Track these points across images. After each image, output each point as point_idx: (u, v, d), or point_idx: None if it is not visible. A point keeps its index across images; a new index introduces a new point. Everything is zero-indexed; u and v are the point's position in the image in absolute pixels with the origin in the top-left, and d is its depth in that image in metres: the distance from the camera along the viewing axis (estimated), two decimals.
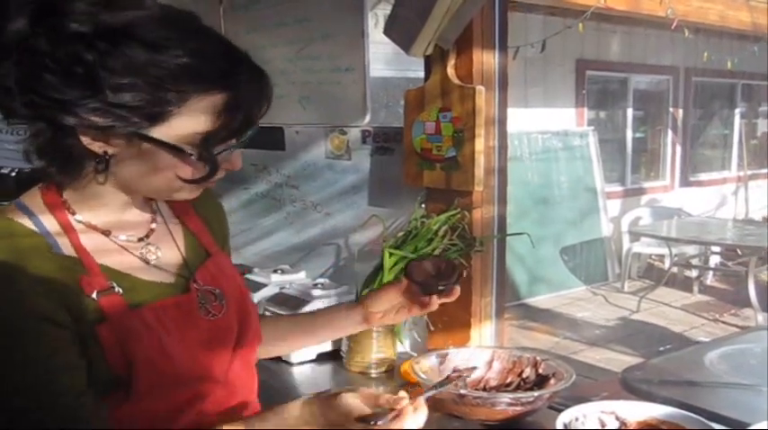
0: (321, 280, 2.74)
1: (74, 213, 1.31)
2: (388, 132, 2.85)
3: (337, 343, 2.49)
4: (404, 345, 2.59)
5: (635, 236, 8.53)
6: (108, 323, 1.24)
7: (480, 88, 2.48)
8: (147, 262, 1.38)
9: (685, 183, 11.06)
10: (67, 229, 1.28)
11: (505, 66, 2.60)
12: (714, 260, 8.77)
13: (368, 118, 2.88)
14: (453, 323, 2.56)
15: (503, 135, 2.58)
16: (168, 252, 1.43)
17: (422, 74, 2.70)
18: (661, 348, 5.90)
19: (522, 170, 7.85)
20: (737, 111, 12.12)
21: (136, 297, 1.30)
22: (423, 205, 2.63)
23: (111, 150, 1.22)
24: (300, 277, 2.84)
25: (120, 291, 1.28)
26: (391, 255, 2.44)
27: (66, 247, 1.27)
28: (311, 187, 3.15)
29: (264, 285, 2.72)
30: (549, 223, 8.04)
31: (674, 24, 7.19)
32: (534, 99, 8.43)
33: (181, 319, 1.35)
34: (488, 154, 2.53)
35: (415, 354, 2.36)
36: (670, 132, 10.87)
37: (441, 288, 1.71)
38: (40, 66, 1.16)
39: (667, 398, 1.76)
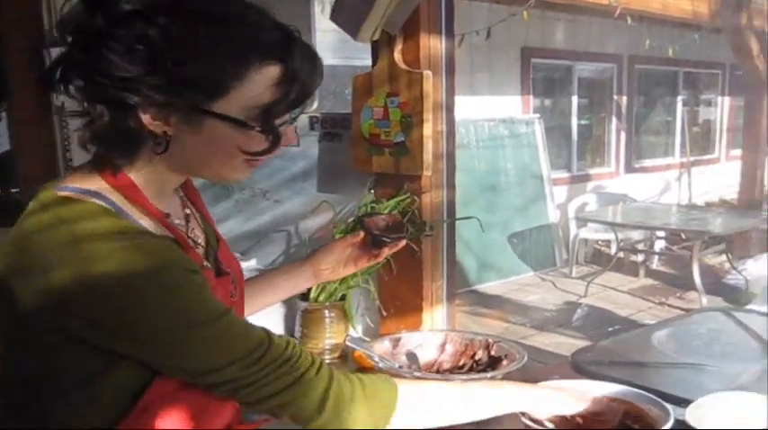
0: (272, 267, 2.72)
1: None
2: (336, 118, 2.84)
3: (290, 328, 2.48)
4: (356, 331, 2.59)
5: (581, 222, 8.60)
6: None
7: (428, 73, 2.49)
8: (195, 245, 1.38)
9: (630, 169, 11.18)
10: (150, 212, 1.27)
11: (452, 51, 2.62)
12: (659, 245, 8.88)
13: (315, 104, 2.88)
14: (405, 307, 2.57)
15: (450, 120, 2.60)
16: (199, 237, 1.43)
17: (368, 62, 2.70)
18: (610, 329, 5.96)
19: (469, 157, 7.87)
20: (680, 98, 12.27)
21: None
22: (372, 190, 2.63)
23: (169, 130, 1.22)
24: (251, 265, 2.83)
25: (209, 265, 1.33)
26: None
27: (158, 229, 1.27)
28: (260, 174, 3.13)
29: None
30: (497, 210, 8.08)
31: (617, 12, 7.25)
32: (480, 86, 8.45)
33: (225, 301, 1.35)
34: (436, 139, 2.54)
35: (367, 339, 2.36)
36: (614, 119, 10.98)
37: (388, 240, 1.77)
38: (100, 47, 1.15)
39: (616, 378, 1.77)
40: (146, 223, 1.24)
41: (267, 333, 1.25)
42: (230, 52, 1.18)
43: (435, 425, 1.39)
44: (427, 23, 2.54)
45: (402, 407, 1.32)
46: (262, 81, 1.20)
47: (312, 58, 1.26)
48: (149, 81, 1.16)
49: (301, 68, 1.23)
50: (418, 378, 1.88)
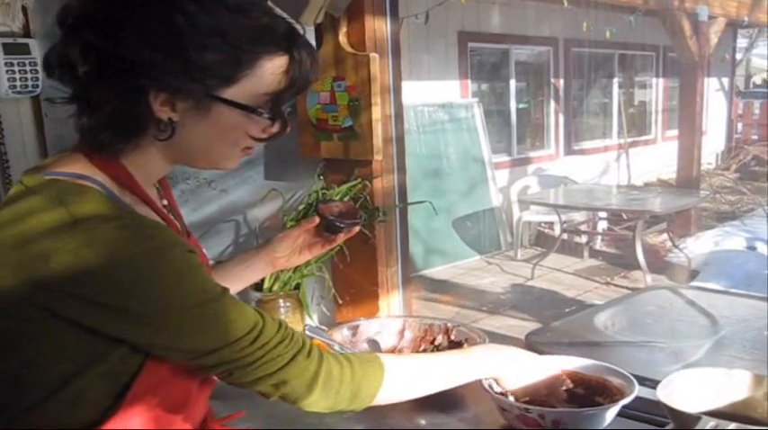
0: (222, 258, 2.67)
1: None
2: (291, 103, 2.79)
3: None
4: (313, 320, 2.55)
5: (524, 204, 8.66)
6: None
7: (374, 55, 2.45)
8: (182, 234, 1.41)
9: (569, 151, 11.28)
10: (142, 198, 1.29)
11: (397, 33, 2.59)
12: (602, 225, 8.98)
13: None
14: (361, 295, 2.54)
15: (398, 103, 2.57)
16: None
17: (313, 44, 2.65)
18: (552, 313, 6.01)
19: (411, 143, 7.84)
20: (616, 80, 12.44)
21: None
22: (321, 177, 2.59)
23: (175, 116, 1.23)
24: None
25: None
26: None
27: (151, 214, 1.28)
28: None
29: None
30: (441, 195, 8.08)
31: None
32: (419, 71, 8.43)
33: None
34: (385, 122, 2.50)
35: (325, 328, 2.32)
36: (552, 102, 11.06)
37: (343, 226, 1.78)
38: (118, 30, 1.17)
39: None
40: (139, 210, 1.25)
41: (261, 314, 1.27)
42: (248, 41, 1.22)
43: (417, 396, 1.49)
44: (371, 5, 2.50)
45: (388, 383, 1.39)
46: (272, 69, 1.25)
47: (313, 51, 1.31)
48: (167, 66, 1.18)
49: (305, 59, 1.27)
50: None
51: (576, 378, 1.72)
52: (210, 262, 2.71)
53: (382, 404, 1.42)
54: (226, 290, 1.24)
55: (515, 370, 1.65)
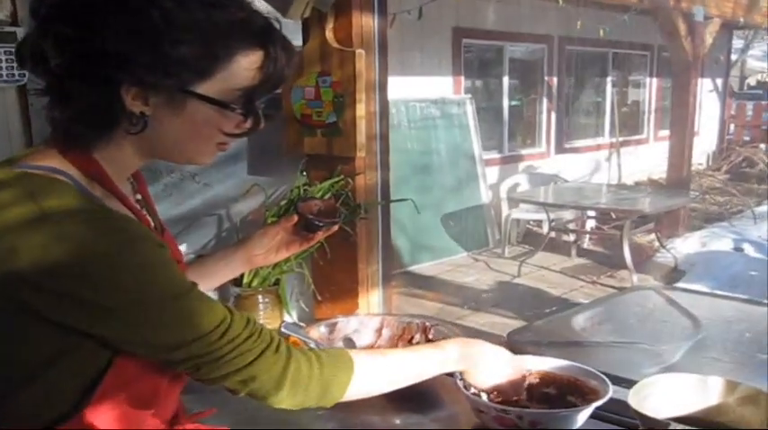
0: (203, 253, 2.66)
1: None
2: (266, 98, 2.77)
3: None
4: (291, 316, 2.55)
5: (514, 202, 8.65)
6: None
7: (360, 51, 2.44)
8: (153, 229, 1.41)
9: (561, 149, 11.28)
10: (113, 192, 1.28)
11: (385, 29, 2.58)
12: (590, 224, 8.99)
13: None
14: (340, 292, 2.54)
15: (384, 100, 2.56)
16: (150, 223, 1.44)
17: (300, 42, 2.65)
18: (536, 312, 6.02)
19: (401, 138, 7.84)
20: (609, 79, 12.43)
21: None
22: (304, 173, 2.59)
23: (147, 110, 1.23)
24: (181, 250, 2.75)
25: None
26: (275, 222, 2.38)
27: (121, 209, 1.28)
28: None
29: None
30: (430, 191, 8.07)
31: None
32: (411, 67, 8.41)
33: None
34: (369, 119, 2.50)
35: (303, 325, 2.32)
36: (545, 100, 11.06)
37: (321, 224, 1.77)
38: (94, 23, 1.17)
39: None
40: (109, 204, 1.23)
41: (230, 309, 1.27)
42: (223, 36, 1.22)
43: (387, 390, 1.49)
44: (359, 0, 2.49)
45: (357, 379, 1.39)
46: (246, 65, 1.24)
47: (289, 47, 1.30)
48: (141, 60, 1.18)
49: (281, 55, 1.27)
50: None
51: (550, 378, 1.73)
52: (191, 256, 2.71)
53: (352, 399, 1.42)
54: (194, 285, 1.24)
55: (483, 365, 1.64)
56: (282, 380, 1.28)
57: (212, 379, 1.25)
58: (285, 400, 1.31)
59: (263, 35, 1.25)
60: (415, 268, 7.80)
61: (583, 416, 1.57)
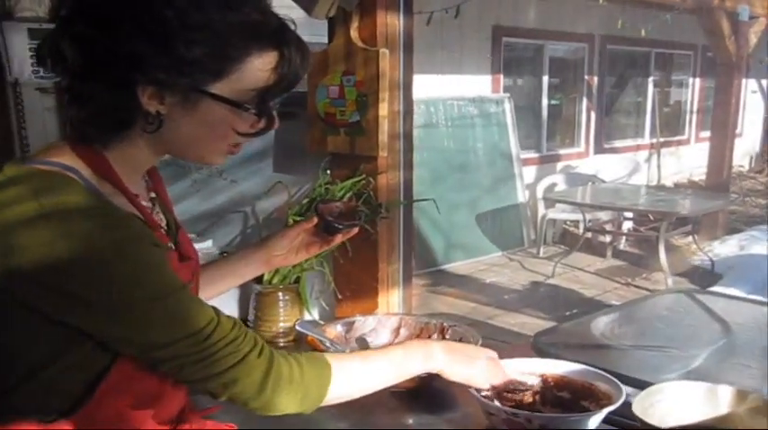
0: (228, 249, 2.69)
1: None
2: (292, 97, 2.77)
3: (244, 311, 2.45)
4: (311, 314, 2.56)
5: (550, 202, 8.60)
6: None
7: (384, 51, 2.45)
8: (161, 228, 1.40)
9: (600, 150, 11.19)
10: (124, 192, 1.29)
11: (411, 29, 2.57)
12: (627, 225, 8.89)
13: None
14: (360, 291, 2.55)
15: (408, 99, 2.56)
16: (162, 221, 1.45)
17: (325, 40, 2.66)
18: (567, 313, 5.98)
19: (438, 136, 7.83)
20: (651, 79, 12.30)
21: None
22: (327, 171, 2.59)
23: (163, 110, 1.25)
24: (207, 246, 2.79)
25: (173, 247, 1.36)
26: (295, 222, 2.39)
27: (128, 206, 1.28)
28: None
29: None
30: (465, 189, 8.05)
31: None
32: (450, 65, 8.39)
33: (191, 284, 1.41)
34: (393, 119, 2.50)
35: (322, 323, 2.33)
36: (585, 100, 10.97)
37: (341, 227, 1.77)
38: (110, 24, 1.19)
39: (576, 361, 1.77)
40: (116, 201, 1.24)
41: (216, 311, 1.28)
42: (237, 36, 1.23)
43: (364, 393, 1.48)
44: (385, 0, 2.49)
45: (335, 383, 1.39)
46: (260, 66, 1.25)
47: (303, 48, 1.30)
48: (156, 60, 1.19)
49: (295, 56, 1.28)
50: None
51: (564, 382, 1.73)
52: (216, 252, 2.73)
53: (330, 404, 1.42)
54: (185, 285, 1.26)
55: (456, 363, 1.61)
56: (264, 385, 1.29)
57: (194, 380, 1.26)
58: (267, 406, 1.32)
59: (278, 36, 1.26)
60: (448, 266, 7.79)
61: (594, 421, 1.57)
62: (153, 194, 1.45)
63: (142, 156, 1.32)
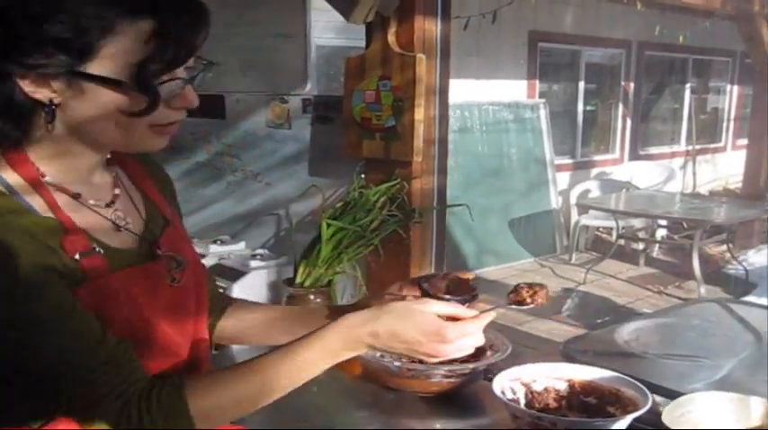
0: (260, 250, 2.71)
1: (43, 175, 1.25)
2: (329, 101, 2.82)
3: None
4: None
5: (583, 208, 8.56)
6: (88, 286, 1.20)
7: (421, 56, 2.46)
8: (117, 228, 1.33)
9: (635, 156, 11.12)
10: (40, 190, 1.23)
11: (448, 34, 2.58)
12: (660, 233, 8.83)
13: (309, 86, 2.86)
14: None
15: (444, 105, 2.57)
16: (133, 219, 1.38)
17: (363, 44, 2.67)
18: (599, 320, 5.94)
19: (472, 141, 7.82)
20: (688, 85, 12.21)
21: (112, 261, 1.26)
22: (362, 175, 2.61)
23: (55, 98, 1.18)
24: (240, 248, 2.81)
25: (102, 252, 1.24)
26: (329, 226, 2.41)
27: (43, 209, 1.21)
28: (251, 156, 3.12)
29: (203, 256, 2.69)
30: (499, 195, 8.04)
31: None
32: (485, 70, 8.39)
33: (149, 286, 1.32)
34: (428, 124, 2.51)
35: None
36: (621, 106, 10.92)
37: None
38: None
39: (605, 368, 1.77)
40: (36, 203, 1.21)
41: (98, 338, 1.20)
42: (93, 8, 1.14)
43: (242, 414, 1.32)
44: (422, 5, 2.51)
45: (201, 413, 1.24)
46: (132, 38, 1.16)
47: (192, 10, 1.20)
48: (17, 44, 1.13)
49: (177, 22, 1.18)
50: (399, 368, 1.88)
51: (592, 388, 1.73)
52: (248, 252, 2.76)
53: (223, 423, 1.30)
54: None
55: (394, 332, 1.33)
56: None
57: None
58: None
59: (149, 2, 1.16)
60: (479, 272, 7.76)
61: (619, 426, 1.56)
62: (117, 191, 1.38)
63: (68, 149, 1.25)
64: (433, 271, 2.56)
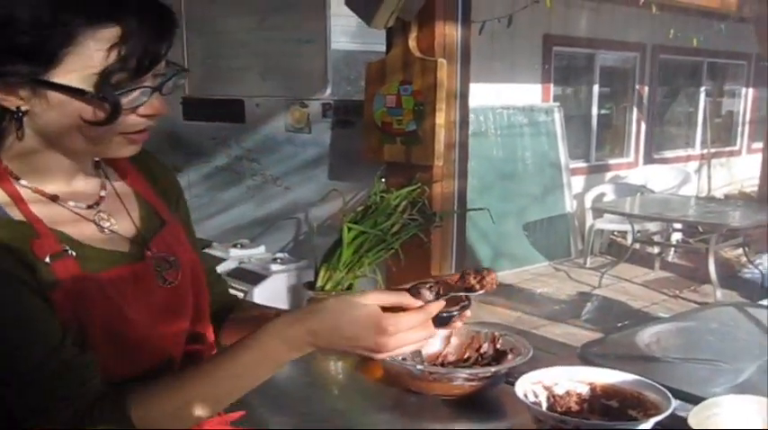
0: (280, 254, 2.72)
1: (17, 179, 1.25)
2: (349, 106, 2.83)
3: None
4: None
5: (598, 212, 8.54)
6: (61, 288, 1.19)
7: (442, 61, 2.47)
8: (101, 229, 1.32)
9: (649, 160, 11.10)
10: (12, 195, 1.22)
11: (468, 39, 2.59)
12: (676, 237, 8.80)
13: (329, 91, 2.87)
14: None
15: (464, 109, 2.58)
16: (121, 220, 1.37)
17: (383, 48, 2.68)
18: (617, 324, 5.94)
19: (487, 145, 7.83)
20: (702, 89, 12.16)
21: (90, 264, 1.25)
22: (383, 179, 2.62)
23: (23, 106, 1.17)
24: (260, 251, 2.82)
25: (74, 254, 1.23)
26: (350, 229, 2.42)
27: (15, 213, 1.21)
28: (271, 160, 3.13)
29: (223, 260, 2.70)
30: (513, 198, 8.03)
31: (642, 0, 7.16)
32: (500, 74, 8.39)
33: (137, 287, 1.30)
34: (449, 128, 2.52)
35: None
36: (635, 109, 10.89)
37: (453, 314, 1.40)
38: None
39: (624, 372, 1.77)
40: (7, 206, 1.21)
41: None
42: (55, 17, 1.12)
43: (190, 421, 1.25)
44: (443, 10, 2.52)
45: (142, 426, 1.20)
46: (95, 45, 1.14)
47: (158, 16, 1.18)
48: None
49: (141, 29, 1.16)
50: (421, 371, 1.89)
51: (613, 391, 1.73)
52: (268, 255, 2.77)
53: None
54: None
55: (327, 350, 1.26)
56: None
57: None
58: None
59: (111, 9, 1.14)
60: None
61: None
62: (103, 193, 1.37)
63: (43, 155, 1.25)
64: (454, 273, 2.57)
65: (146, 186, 1.46)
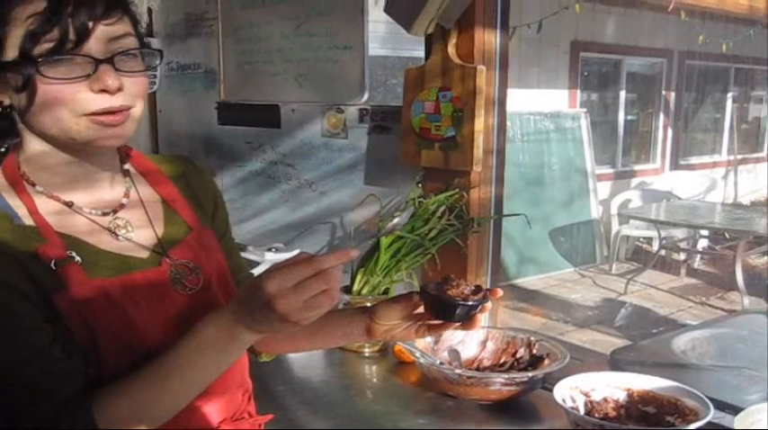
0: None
1: (33, 184, 1.27)
2: (386, 111, 2.84)
3: None
4: None
5: (624, 218, 8.54)
6: (66, 292, 1.20)
7: (481, 68, 2.47)
8: (115, 237, 1.33)
9: (676, 166, 11.07)
10: (26, 200, 1.24)
11: (506, 45, 2.60)
12: (702, 243, 8.77)
13: (366, 96, 2.88)
14: None
15: (502, 115, 2.58)
16: (141, 228, 1.37)
17: (420, 53, 2.70)
18: (641, 331, 5.92)
19: (514, 151, 7.83)
20: (730, 95, 12.12)
21: (100, 270, 1.26)
22: (420, 185, 2.63)
23: (5, 99, 1.21)
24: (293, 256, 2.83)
25: (80, 260, 1.23)
26: (387, 235, 2.44)
27: (27, 218, 1.23)
28: (307, 165, 3.14)
29: (258, 263, 2.72)
30: (539, 204, 8.04)
31: (671, 6, 7.14)
32: (527, 80, 8.40)
33: (151, 293, 1.30)
34: (487, 134, 2.53)
35: None
36: (662, 115, 10.87)
37: (475, 304, 1.39)
38: None
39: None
40: (18, 208, 1.23)
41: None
42: None
43: (155, 419, 1.23)
44: (482, 17, 2.52)
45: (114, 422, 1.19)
46: (26, 22, 1.14)
47: None
48: None
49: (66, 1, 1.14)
50: (458, 376, 1.91)
51: (650, 397, 1.74)
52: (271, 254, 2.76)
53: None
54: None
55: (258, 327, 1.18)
56: None
57: None
58: None
59: None
60: (520, 281, 7.77)
61: None
62: (125, 200, 1.37)
63: (44, 151, 1.26)
64: (489, 279, 2.59)
65: (175, 193, 1.47)
